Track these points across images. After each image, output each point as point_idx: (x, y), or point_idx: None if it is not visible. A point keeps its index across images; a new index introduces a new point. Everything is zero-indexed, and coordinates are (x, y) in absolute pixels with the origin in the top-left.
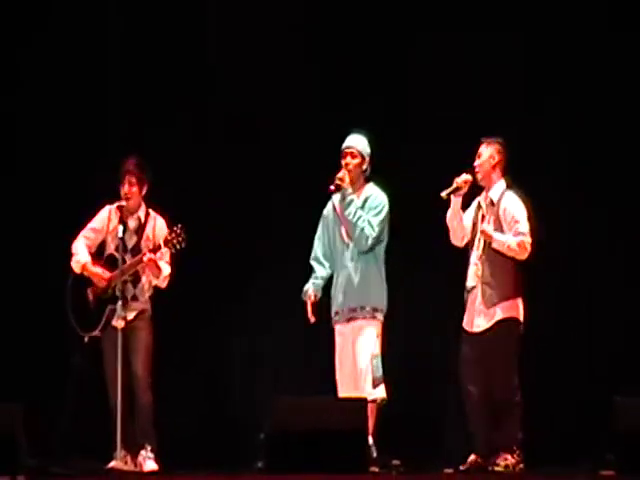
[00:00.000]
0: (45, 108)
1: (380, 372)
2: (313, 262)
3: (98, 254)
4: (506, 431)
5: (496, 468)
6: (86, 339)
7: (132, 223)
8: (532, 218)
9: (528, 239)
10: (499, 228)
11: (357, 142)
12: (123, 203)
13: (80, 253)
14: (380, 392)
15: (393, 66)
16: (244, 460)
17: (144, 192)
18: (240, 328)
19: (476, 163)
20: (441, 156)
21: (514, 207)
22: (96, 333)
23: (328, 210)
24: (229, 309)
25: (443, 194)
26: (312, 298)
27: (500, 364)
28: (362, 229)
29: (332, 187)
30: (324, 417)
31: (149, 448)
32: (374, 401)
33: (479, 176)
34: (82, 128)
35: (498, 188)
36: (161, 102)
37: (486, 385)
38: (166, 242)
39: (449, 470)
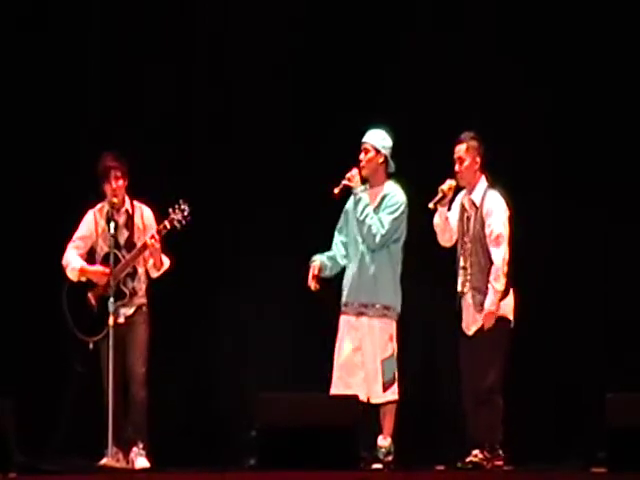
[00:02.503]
0: (23, 108)
1: (391, 375)
2: (333, 246)
3: (89, 261)
4: (480, 429)
5: (457, 464)
6: (91, 345)
7: (121, 218)
8: (512, 216)
9: (502, 266)
10: (482, 227)
11: (370, 136)
12: (114, 200)
13: (73, 262)
14: (391, 395)
15: (381, 63)
16: (235, 457)
17: (126, 185)
18: (228, 324)
19: (458, 168)
20: (432, 155)
21: (496, 214)
22: (101, 336)
23: (349, 205)
24: (217, 306)
25: (431, 205)
26: (315, 270)
27: (484, 363)
28: (369, 226)
29: (336, 190)
30: (315, 414)
31: (141, 445)
32: (385, 404)
33: (462, 181)
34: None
35: (480, 189)
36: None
37: (473, 385)
38: (171, 221)
39: (440, 467)
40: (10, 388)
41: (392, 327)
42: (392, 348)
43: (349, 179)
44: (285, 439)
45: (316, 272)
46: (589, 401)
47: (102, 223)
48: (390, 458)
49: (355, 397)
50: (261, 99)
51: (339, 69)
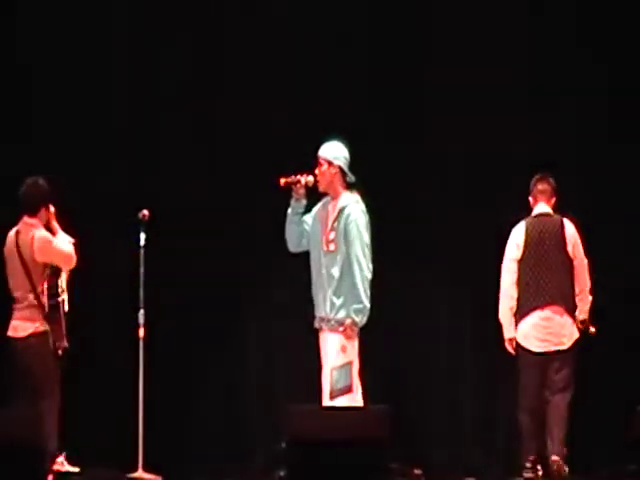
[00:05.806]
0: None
1: (342, 384)
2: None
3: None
4: None
5: None
6: None
7: None
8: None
9: None
10: None
11: (322, 149)
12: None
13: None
14: (346, 402)
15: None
16: (264, 469)
17: None
18: (257, 337)
19: None
20: (427, 161)
21: None
22: None
23: (318, 209)
24: (246, 319)
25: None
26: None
27: None
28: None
29: (282, 181)
30: (345, 426)
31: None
32: None
33: None
34: None
35: None
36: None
37: None
38: None
39: (470, 479)
40: None
41: (344, 338)
42: (344, 359)
43: (300, 182)
44: (315, 451)
45: (298, 185)
46: (618, 413)
47: None
48: None
49: (385, 409)
50: (262, 99)
51: (340, 74)
